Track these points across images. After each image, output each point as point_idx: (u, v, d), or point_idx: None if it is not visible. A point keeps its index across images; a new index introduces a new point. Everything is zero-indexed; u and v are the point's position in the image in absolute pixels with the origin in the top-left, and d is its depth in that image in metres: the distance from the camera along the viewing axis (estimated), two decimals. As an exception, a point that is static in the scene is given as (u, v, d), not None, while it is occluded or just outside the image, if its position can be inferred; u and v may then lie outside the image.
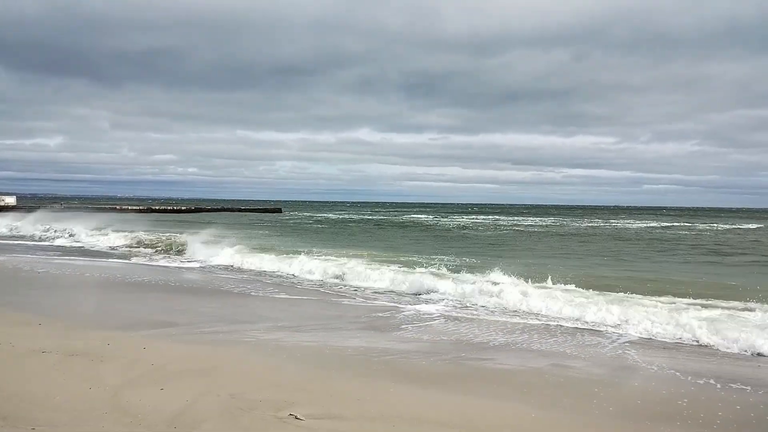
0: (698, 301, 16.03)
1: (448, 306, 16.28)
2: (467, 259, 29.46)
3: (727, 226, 77.78)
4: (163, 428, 6.76)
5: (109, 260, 26.78)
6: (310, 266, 22.50)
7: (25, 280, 19.04)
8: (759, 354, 11.59)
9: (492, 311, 15.62)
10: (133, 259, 27.40)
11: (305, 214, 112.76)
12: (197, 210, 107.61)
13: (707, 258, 34.07)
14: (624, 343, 12.50)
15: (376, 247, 37.32)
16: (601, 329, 13.68)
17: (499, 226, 74.46)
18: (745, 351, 11.73)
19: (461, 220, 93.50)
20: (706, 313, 14.05)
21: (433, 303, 16.67)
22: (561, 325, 14.11)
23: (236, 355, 10.40)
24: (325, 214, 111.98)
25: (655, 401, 8.67)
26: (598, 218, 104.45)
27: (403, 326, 13.66)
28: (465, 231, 60.69)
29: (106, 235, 37.47)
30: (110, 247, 33.79)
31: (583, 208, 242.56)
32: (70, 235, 38.39)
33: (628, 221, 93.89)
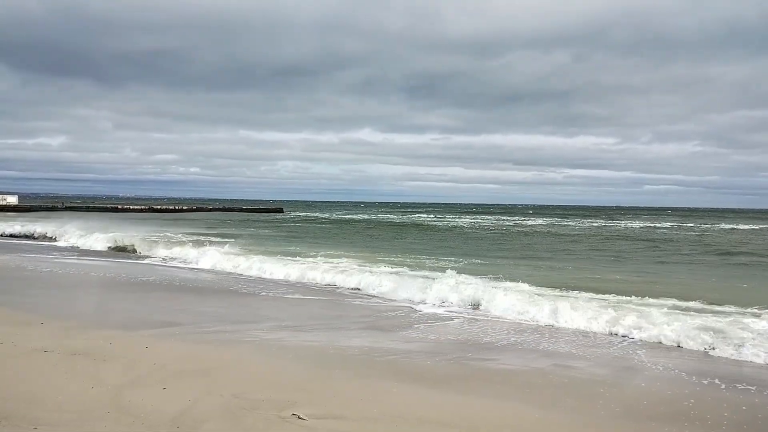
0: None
1: (451, 307, 16.20)
2: (479, 261, 29.46)
3: (746, 227, 77.29)
4: (165, 428, 6.74)
5: (109, 260, 26.78)
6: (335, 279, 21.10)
7: (26, 280, 19.03)
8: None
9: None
10: (146, 261, 27.42)
11: (311, 214, 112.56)
12: (199, 209, 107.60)
13: (721, 260, 33.57)
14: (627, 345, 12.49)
15: (385, 249, 37.28)
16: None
17: (511, 227, 73.85)
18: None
19: (465, 220, 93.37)
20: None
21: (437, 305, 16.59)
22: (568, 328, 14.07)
23: (239, 354, 10.38)
24: (328, 214, 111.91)
25: (659, 401, 8.63)
26: (604, 219, 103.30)
27: (405, 326, 13.64)
28: (475, 232, 60.59)
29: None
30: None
31: (585, 208, 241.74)
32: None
33: (636, 222, 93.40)
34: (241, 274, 22.21)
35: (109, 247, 32.40)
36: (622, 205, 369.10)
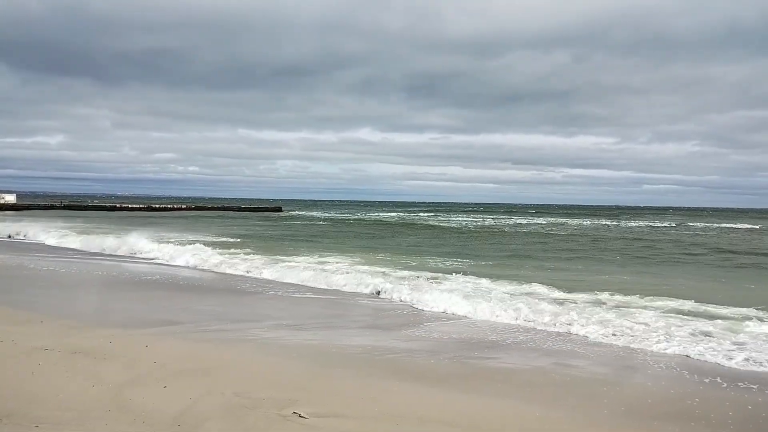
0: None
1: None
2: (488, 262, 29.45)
3: (753, 227, 76.89)
4: (166, 426, 6.73)
5: (110, 260, 26.75)
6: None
7: (25, 278, 19.00)
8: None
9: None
10: (145, 260, 27.39)
11: (310, 213, 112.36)
12: (198, 208, 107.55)
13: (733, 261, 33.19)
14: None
15: (389, 249, 37.26)
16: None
17: (524, 227, 73.59)
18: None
19: (466, 219, 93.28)
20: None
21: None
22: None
23: (239, 353, 10.36)
24: (328, 214, 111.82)
25: (662, 400, 8.63)
26: (609, 219, 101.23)
27: (406, 325, 13.61)
28: (479, 232, 60.56)
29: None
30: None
31: (585, 207, 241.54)
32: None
33: (644, 221, 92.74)
34: (242, 275, 22.12)
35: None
36: (621, 204, 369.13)
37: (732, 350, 11.35)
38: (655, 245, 42.46)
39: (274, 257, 27.06)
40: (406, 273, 21.86)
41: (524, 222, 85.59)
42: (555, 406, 8.21)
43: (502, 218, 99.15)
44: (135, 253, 28.43)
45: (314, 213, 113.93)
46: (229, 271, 22.85)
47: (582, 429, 7.43)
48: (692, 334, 12.59)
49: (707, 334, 12.57)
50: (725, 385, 9.49)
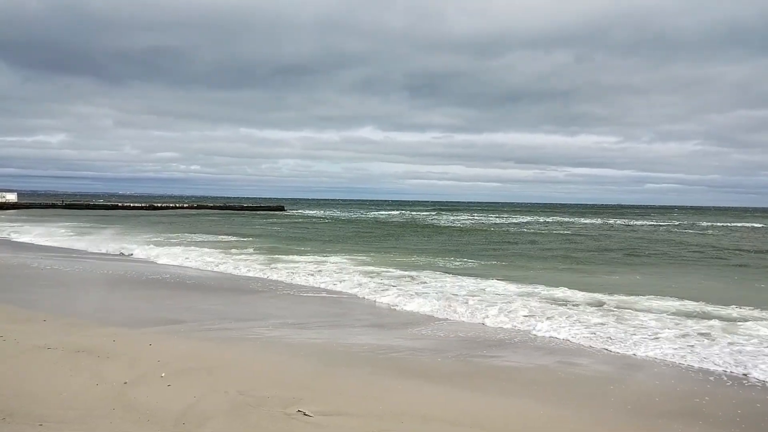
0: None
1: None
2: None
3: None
4: (171, 425, 6.71)
5: (112, 260, 26.75)
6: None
7: (27, 277, 18.99)
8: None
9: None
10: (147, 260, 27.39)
11: (312, 212, 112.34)
12: (199, 207, 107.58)
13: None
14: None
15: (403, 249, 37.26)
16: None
17: (536, 227, 73.24)
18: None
19: (469, 218, 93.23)
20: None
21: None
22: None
23: (243, 352, 10.34)
24: (331, 213, 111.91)
25: (669, 399, 8.60)
26: (622, 218, 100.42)
27: (410, 324, 13.58)
28: (486, 232, 60.50)
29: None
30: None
31: (590, 206, 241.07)
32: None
33: (649, 220, 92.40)
34: (245, 275, 22.09)
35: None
36: (623, 203, 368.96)
37: (740, 350, 11.29)
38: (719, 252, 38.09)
39: (277, 256, 27.08)
40: (413, 273, 21.84)
41: (528, 220, 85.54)
42: (560, 405, 8.18)
43: (518, 218, 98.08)
44: (135, 253, 28.40)
45: (316, 212, 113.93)
46: (231, 270, 22.82)
47: (588, 427, 7.40)
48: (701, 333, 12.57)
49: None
50: (731, 383, 9.46)
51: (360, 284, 18.93)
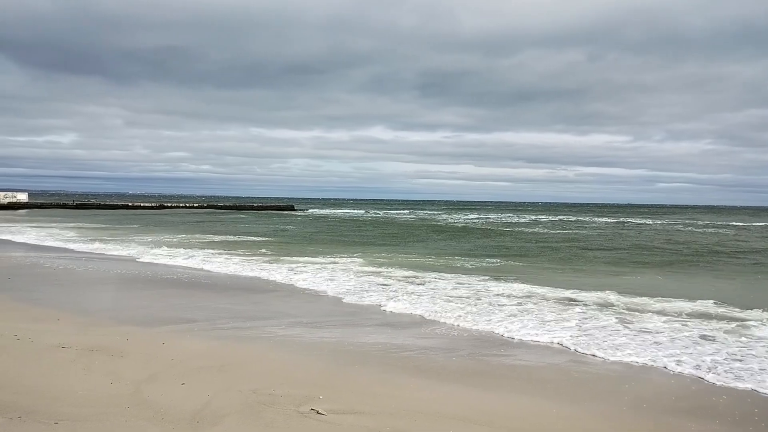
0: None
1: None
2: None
3: None
4: (185, 422, 6.76)
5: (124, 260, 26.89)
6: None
7: (41, 276, 19.13)
8: None
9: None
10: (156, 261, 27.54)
11: (323, 211, 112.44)
12: (210, 206, 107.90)
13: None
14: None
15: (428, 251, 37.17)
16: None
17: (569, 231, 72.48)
18: None
19: (481, 217, 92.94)
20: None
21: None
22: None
23: (255, 350, 10.39)
24: (342, 211, 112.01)
25: (681, 397, 8.57)
26: (644, 217, 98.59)
27: (421, 323, 13.59)
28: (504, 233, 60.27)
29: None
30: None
31: (603, 206, 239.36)
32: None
33: (664, 220, 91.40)
34: (257, 274, 22.14)
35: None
36: (634, 203, 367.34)
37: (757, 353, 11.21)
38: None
39: (289, 257, 27.15)
40: (427, 274, 21.85)
41: (544, 219, 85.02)
42: (573, 403, 8.18)
43: (528, 217, 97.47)
44: (146, 254, 28.53)
45: (327, 211, 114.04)
46: (242, 270, 22.87)
47: (600, 424, 7.40)
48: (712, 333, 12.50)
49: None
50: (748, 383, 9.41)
51: (371, 284, 18.95)
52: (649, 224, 73.19)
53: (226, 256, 26.84)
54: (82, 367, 8.84)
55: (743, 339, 12.08)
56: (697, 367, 10.09)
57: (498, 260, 27.87)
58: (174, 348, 10.18)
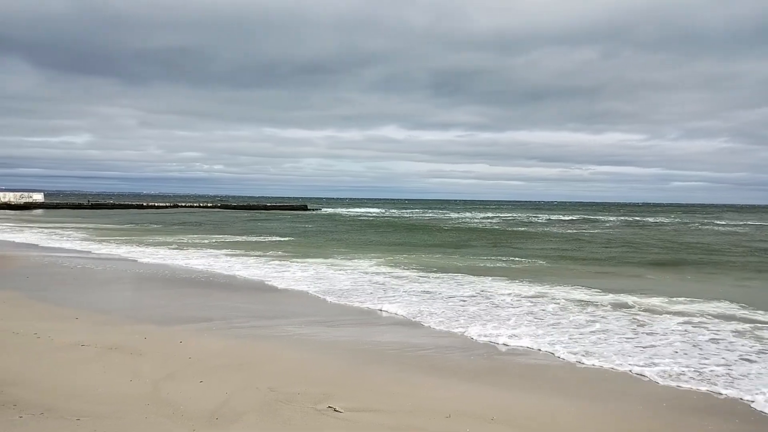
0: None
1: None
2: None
3: None
4: (204, 420, 6.83)
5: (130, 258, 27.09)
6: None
7: (59, 275, 19.31)
8: None
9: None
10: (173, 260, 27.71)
11: (337, 211, 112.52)
12: (223, 207, 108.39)
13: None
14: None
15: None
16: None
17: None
18: None
19: (497, 216, 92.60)
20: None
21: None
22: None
23: (273, 349, 10.46)
24: (357, 211, 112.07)
25: (698, 396, 8.54)
26: (666, 216, 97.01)
27: (436, 323, 13.59)
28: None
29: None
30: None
31: (614, 205, 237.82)
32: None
33: (680, 219, 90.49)
34: (273, 274, 22.22)
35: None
36: (648, 201, 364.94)
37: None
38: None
39: (305, 257, 27.22)
40: (448, 275, 21.82)
41: (561, 219, 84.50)
42: (588, 401, 8.17)
43: (543, 216, 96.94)
44: (161, 254, 28.72)
45: (341, 210, 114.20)
46: (257, 269, 22.98)
47: (617, 423, 7.38)
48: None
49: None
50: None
51: (386, 285, 18.98)
52: (666, 222, 72.74)
53: (241, 256, 26.98)
54: (101, 365, 8.94)
55: (756, 342, 11.99)
56: (711, 369, 10.02)
57: (522, 260, 27.76)
58: (192, 347, 10.27)
